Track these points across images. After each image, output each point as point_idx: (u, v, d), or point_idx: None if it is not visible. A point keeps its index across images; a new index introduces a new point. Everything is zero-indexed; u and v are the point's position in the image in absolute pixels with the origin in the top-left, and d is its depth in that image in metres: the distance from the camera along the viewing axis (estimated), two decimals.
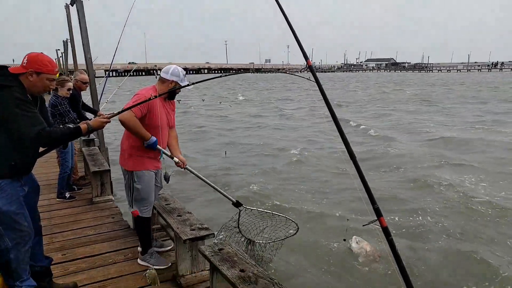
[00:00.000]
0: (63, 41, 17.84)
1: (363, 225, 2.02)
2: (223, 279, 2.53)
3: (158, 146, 3.24)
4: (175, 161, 3.40)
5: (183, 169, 3.46)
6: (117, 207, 5.20)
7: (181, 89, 3.41)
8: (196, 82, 3.45)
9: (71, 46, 9.16)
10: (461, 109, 21.98)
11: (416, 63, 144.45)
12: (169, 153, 3.40)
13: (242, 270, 2.46)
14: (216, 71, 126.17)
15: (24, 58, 2.48)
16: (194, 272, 3.27)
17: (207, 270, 3.31)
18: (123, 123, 3.07)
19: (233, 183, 8.34)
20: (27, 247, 2.60)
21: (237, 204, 3.69)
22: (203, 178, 3.56)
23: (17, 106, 2.32)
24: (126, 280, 3.26)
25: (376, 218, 1.85)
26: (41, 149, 2.70)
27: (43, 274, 2.94)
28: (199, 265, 3.31)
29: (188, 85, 3.36)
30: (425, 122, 16.69)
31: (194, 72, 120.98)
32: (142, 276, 2.59)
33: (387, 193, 7.43)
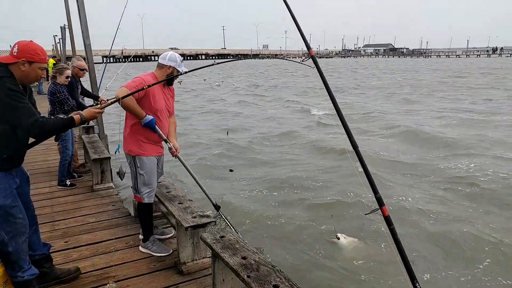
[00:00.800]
0: (61, 27, 17.62)
1: (365, 214, 2.06)
2: (225, 266, 2.57)
3: (156, 126, 3.28)
4: (168, 147, 3.47)
5: (174, 157, 3.54)
6: (117, 194, 5.24)
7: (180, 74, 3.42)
8: (194, 70, 3.45)
9: (69, 32, 9.07)
10: None
11: (415, 49, 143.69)
12: (165, 137, 3.44)
13: (243, 258, 2.50)
14: (213, 57, 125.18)
15: (14, 47, 2.42)
16: (195, 259, 3.32)
17: (208, 257, 3.36)
18: (121, 104, 3.10)
19: None
20: (24, 238, 2.61)
21: (216, 207, 3.82)
22: (191, 171, 3.68)
23: (10, 97, 2.27)
24: (128, 268, 3.31)
25: (378, 207, 1.89)
26: (30, 140, 2.67)
27: (43, 260, 2.98)
28: (200, 253, 3.36)
29: (185, 72, 3.37)
30: None
31: (191, 58, 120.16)
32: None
33: None
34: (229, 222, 4.17)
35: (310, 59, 2.40)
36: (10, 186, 2.50)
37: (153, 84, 3.12)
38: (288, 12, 2.47)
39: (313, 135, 12.07)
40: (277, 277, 2.28)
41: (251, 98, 22.61)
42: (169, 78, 3.35)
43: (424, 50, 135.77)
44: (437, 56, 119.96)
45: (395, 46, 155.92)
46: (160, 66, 3.35)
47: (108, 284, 2.52)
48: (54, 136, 5.37)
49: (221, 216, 4.14)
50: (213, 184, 7.44)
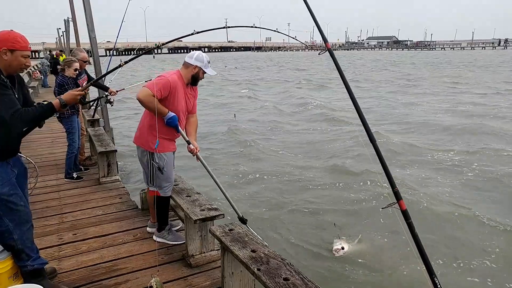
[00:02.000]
0: (64, 19, 17.60)
1: (382, 208, 2.04)
2: (234, 259, 2.57)
3: (177, 123, 3.26)
4: (189, 146, 3.41)
5: (194, 156, 3.47)
6: (124, 187, 5.25)
7: (205, 75, 3.39)
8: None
9: (73, 25, 9.03)
10: None
11: (419, 41, 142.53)
12: (187, 138, 3.41)
13: (253, 251, 2.50)
14: (217, 50, 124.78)
15: None
16: (204, 252, 3.33)
17: (216, 250, 3.37)
18: (140, 101, 3.10)
19: None
20: (28, 226, 2.63)
21: (243, 220, 3.73)
22: (212, 173, 3.55)
23: None
24: (136, 260, 3.32)
25: (395, 201, 1.87)
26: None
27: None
28: (208, 245, 3.36)
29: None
30: None
31: (194, 50, 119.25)
32: (148, 285, 2.55)
33: None
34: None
35: (327, 51, 2.37)
36: (7, 175, 2.51)
37: (129, 60, 3.14)
38: (304, 4, 2.43)
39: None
40: (288, 270, 2.28)
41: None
42: (193, 78, 3.33)
43: (429, 43, 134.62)
44: (441, 48, 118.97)
45: (399, 39, 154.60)
46: (186, 65, 3.31)
47: (153, 278, 2.55)
48: (64, 130, 5.41)
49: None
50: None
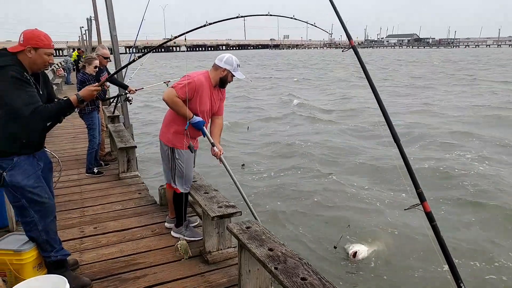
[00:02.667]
0: (87, 18, 17.94)
1: (405, 209, 2.00)
2: (251, 257, 2.58)
3: (204, 128, 3.30)
4: (213, 149, 3.41)
5: (217, 159, 3.47)
6: (143, 183, 5.33)
7: (234, 78, 3.39)
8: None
9: (96, 24, 9.20)
10: None
11: (441, 39, 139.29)
12: (212, 140, 3.42)
13: (270, 249, 2.50)
14: (234, 48, 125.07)
15: (20, 35, 2.48)
16: (221, 249, 3.35)
17: (233, 247, 3.39)
18: (166, 102, 3.17)
19: None
20: (51, 217, 2.71)
21: None
22: (234, 177, 3.51)
23: (13, 86, 2.34)
24: (155, 255, 3.37)
25: (419, 203, 1.83)
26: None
27: None
28: (225, 242, 3.38)
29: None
30: None
31: (212, 48, 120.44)
32: (174, 248, 2.61)
33: None
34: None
35: (351, 49, 2.34)
36: (33, 167, 2.60)
37: (142, 55, 3.15)
38: (328, 1, 2.39)
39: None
40: (305, 270, 2.27)
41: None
42: (221, 81, 3.35)
43: (452, 40, 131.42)
44: (465, 46, 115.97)
45: (420, 36, 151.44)
46: (215, 67, 3.33)
47: (179, 241, 2.60)
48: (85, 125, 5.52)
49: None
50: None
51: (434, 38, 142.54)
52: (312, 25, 3.50)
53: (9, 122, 2.42)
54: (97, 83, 2.81)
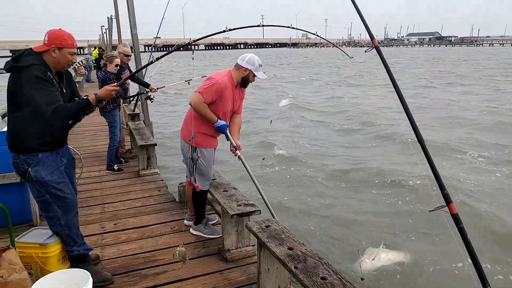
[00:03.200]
0: (108, 17, 18.26)
1: (430, 211, 1.95)
2: (271, 256, 2.57)
3: (227, 131, 3.37)
4: (232, 146, 3.46)
5: (236, 157, 3.50)
6: (163, 180, 5.38)
7: (256, 78, 3.41)
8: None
9: (116, 23, 9.36)
10: None
11: (464, 37, 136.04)
12: (234, 143, 3.46)
13: (290, 248, 2.48)
14: (252, 46, 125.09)
15: (45, 35, 2.54)
16: (239, 247, 3.35)
17: (252, 245, 3.39)
18: (192, 107, 3.23)
19: None
20: (74, 213, 2.78)
21: None
22: (252, 174, 3.52)
23: (36, 85, 2.39)
24: (174, 252, 3.39)
25: (444, 204, 1.78)
26: None
27: None
28: (244, 240, 3.38)
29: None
30: None
31: (230, 47, 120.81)
32: (173, 254, 2.60)
33: None
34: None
35: (374, 49, 2.30)
36: (56, 164, 2.67)
37: (161, 57, 3.18)
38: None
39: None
40: (325, 269, 2.25)
41: None
42: (243, 81, 3.37)
43: (475, 38, 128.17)
44: (489, 44, 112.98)
45: (442, 34, 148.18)
46: (238, 67, 3.35)
47: (178, 247, 2.62)
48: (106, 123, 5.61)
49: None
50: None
51: (456, 36, 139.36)
52: (334, 45, 3.52)
53: (33, 120, 2.48)
54: (116, 83, 2.84)
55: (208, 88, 3.20)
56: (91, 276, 2.21)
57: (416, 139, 1.96)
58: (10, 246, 2.53)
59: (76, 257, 2.81)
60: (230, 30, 3.33)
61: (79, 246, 2.82)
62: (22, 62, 2.44)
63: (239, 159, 3.51)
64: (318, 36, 3.90)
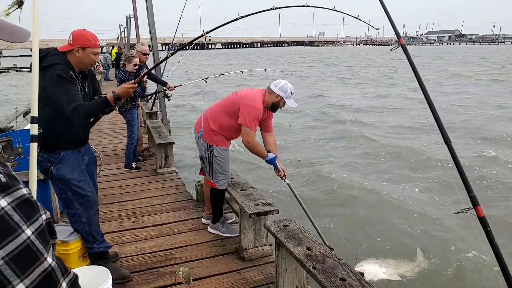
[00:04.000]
0: (126, 16, 18.49)
1: (455, 213, 1.90)
2: (289, 256, 2.55)
3: (276, 162, 3.47)
4: (284, 178, 3.56)
5: (282, 179, 3.58)
6: (180, 178, 5.41)
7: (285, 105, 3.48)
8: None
9: (135, 22, 9.47)
10: None
11: (485, 35, 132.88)
12: (283, 172, 3.54)
13: (308, 248, 2.46)
14: (269, 45, 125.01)
15: (70, 36, 2.58)
16: (257, 246, 3.34)
17: (269, 245, 3.37)
18: (247, 147, 3.38)
19: None
20: (94, 210, 2.82)
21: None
22: (300, 200, 3.56)
23: (59, 84, 2.44)
24: (191, 250, 3.41)
25: (471, 207, 1.73)
26: None
27: None
28: (262, 240, 3.37)
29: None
30: None
31: (247, 46, 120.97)
32: (176, 273, 2.54)
33: None
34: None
35: (400, 47, 2.26)
36: (78, 162, 2.72)
37: (175, 51, 3.26)
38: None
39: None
40: (344, 270, 2.22)
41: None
42: (273, 106, 3.45)
43: (497, 36, 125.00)
44: (511, 42, 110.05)
45: (462, 33, 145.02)
46: (270, 91, 3.40)
47: (181, 268, 2.61)
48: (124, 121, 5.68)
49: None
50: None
51: (477, 34, 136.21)
52: (356, 17, 3.31)
53: (55, 119, 2.53)
54: (132, 82, 2.86)
55: (252, 118, 3.28)
56: (111, 273, 2.23)
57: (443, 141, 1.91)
58: None
59: (96, 254, 2.85)
60: (242, 17, 3.19)
61: (99, 244, 2.86)
62: (47, 61, 2.48)
63: (285, 181, 3.60)
64: (360, 19, 3.55)
